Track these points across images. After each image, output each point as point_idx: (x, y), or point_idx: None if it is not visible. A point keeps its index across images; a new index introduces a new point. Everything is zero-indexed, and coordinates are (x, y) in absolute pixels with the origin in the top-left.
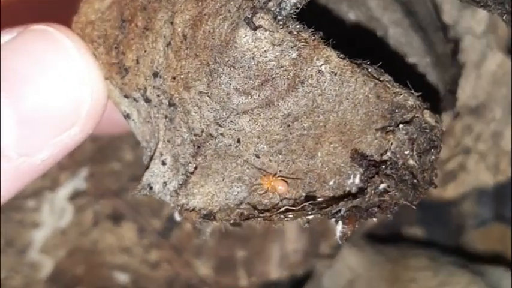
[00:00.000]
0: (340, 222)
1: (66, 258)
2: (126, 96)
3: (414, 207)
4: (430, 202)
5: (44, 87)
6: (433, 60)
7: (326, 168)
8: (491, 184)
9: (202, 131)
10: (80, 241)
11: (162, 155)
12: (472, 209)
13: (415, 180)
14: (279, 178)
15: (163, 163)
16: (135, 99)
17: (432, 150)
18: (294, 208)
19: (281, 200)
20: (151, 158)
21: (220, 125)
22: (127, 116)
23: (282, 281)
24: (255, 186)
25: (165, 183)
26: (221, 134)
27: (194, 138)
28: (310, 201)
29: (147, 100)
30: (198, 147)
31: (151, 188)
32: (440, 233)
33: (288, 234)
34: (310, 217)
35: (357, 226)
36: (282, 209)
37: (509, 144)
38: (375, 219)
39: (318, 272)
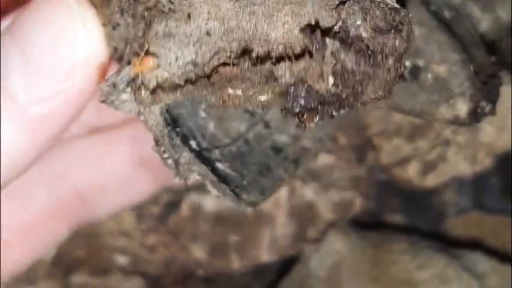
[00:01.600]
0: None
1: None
2: (114, 28)
3: (381, 97)
4: (412, 191)
5: (46, 36)
6: (464, 59)
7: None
8: (469, 174)
9: (155, 5)
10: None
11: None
12: (451, 198)
13: (370, 52)
14: (146, 55)
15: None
16: (117, 23)
17: (393, 33)
18: (229, 62)
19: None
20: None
21: (170, 1)
22: (114, 50)
23: (272, 264)
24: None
25: (123, 77)
26: (172, 10)
27: (146, 14)
28: (248, 56)
29: (122, 12)
30: (149, 24)
31: (115, 86)
32: (421, 220)
33: (278, 220)
34: (262, 98)
35: (316, 119)
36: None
37: (486, 137)
38: (336, 113)
39: (305, 255)
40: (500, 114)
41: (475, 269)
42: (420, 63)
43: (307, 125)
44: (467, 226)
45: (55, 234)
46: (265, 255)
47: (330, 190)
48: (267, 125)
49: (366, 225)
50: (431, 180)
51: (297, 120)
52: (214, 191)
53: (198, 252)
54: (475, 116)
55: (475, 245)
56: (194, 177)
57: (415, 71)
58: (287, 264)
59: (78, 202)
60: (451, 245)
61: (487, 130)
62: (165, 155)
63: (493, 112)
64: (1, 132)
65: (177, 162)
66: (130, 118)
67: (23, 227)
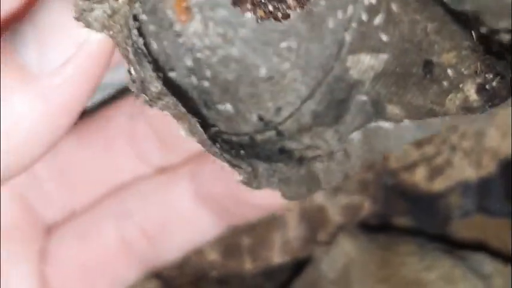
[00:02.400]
0: None
1: None
2: None
3: None
4: (419, 195)
5: (56, 12)
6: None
7: None
8: (474, 178)
9: None
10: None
11: None
12: (457, 201)
13: None
14: None
15: None
16: None
17: None
18: None
19: None
20: None
21: None
22: None
23: (284, 266)
24: None
25: None
26: None
27: None
28: None
29: None
30: None
31: None
32: (427, 223)
33: (289, 223)
34: None
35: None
36: None
37: (490, 142)
38: None
39: (316, 257)
40: (504, 120)
41: (480, 270)
42: (433, 58)
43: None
44: (472, 228)
45: (123, 276)
46: (277, 257)
47: (339, 194)
48: (280, 134)
49: (374, 227)
50: (438, 185)
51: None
52: (183, 129)
53: (212, 254)
54: (486, 95)
55: (479, 246)
56: (161, 105)
57: (429, 66)
58: (298, 266)
59: (144, 242)
60: (456, 246)
61: (492, 136)
62: (132, 74)
63: (503, 89)
64: (17, 104)
65: (143, 83)
66: (192, 157)
67: (88, 265)
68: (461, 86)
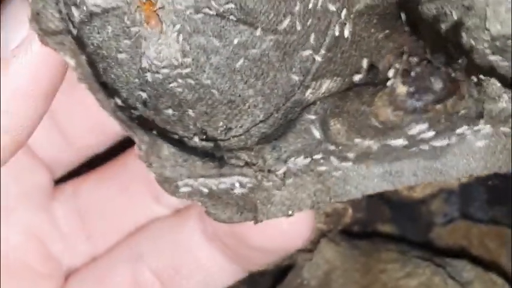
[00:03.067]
0: None
1: None
2: None
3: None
4: (401, 201)
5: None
6: None
7: None
8: (456, 185)
9: None
10: None
11: None
12: (439, 208)
13: None
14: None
15: None
16: None
17: None
18: None
19: None
20: None
21: None
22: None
23: (266, 272)
24: None
25: None
26: None
27: None
28: None
29: None
30: None
31: None
32: (409, 230)
33: None
34: None
35: None
36: None
37: None
38: None
39: (299, 264)
40: None
41: (461, 277)
42: (380, 64)
43: None
44: (455, 235)
45: None
46: None
47: None
48: (217, 146)
49: (357, 235)
50: (420, 191)
51: None
52: (76, 74)
53: None
54: (412, 83)
55: (461, 253)
56: (54, 40)
57: (373, 72)
58: (281, 273)
59: (158, 287)
60: (438, 253)
61: None
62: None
63: (431, 78)
64: None
65: (38, 15)
66: None
67: None
68: (391, 81)
